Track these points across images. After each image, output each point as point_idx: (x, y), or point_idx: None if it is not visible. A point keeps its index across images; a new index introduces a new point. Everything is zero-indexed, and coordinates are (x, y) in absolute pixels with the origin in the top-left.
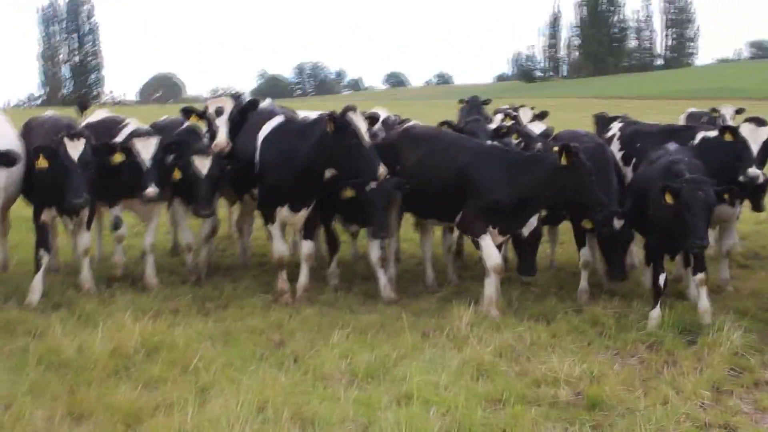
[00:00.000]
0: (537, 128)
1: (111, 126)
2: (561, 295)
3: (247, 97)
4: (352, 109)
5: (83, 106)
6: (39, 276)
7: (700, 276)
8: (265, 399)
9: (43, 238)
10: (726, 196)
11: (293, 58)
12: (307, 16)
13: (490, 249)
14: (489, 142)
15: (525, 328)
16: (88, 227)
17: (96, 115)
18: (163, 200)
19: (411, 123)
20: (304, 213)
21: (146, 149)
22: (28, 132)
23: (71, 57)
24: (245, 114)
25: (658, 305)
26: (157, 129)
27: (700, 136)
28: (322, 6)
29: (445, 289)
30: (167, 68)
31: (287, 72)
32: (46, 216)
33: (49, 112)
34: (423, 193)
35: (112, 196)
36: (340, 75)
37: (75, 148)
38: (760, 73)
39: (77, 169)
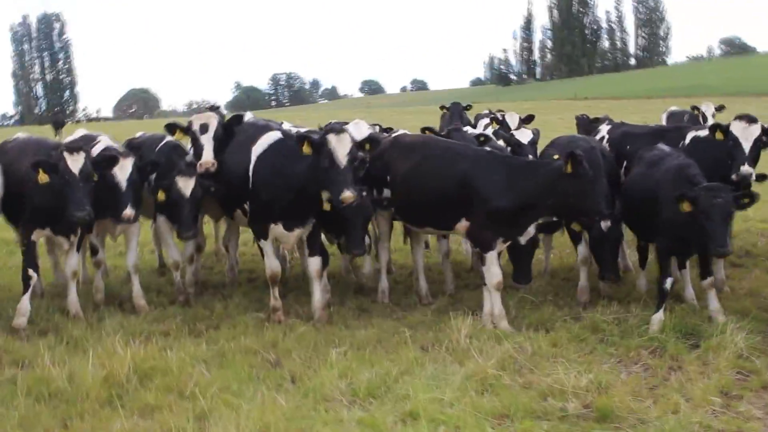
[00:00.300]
0: (524, 135)
1: (85, 144)
2: (558, 301)
3: (223, 110)
4: (335, 131)
5: (59, 124)
6: (26, 297)
7: (709, 280)
8: (266, 424)
9: (31, 258)
10: (746, 201)
11: (268, 69)
12: (280, 27)
13: (494, 266)
14: (486, 148)
15: (525, 337)
16: (78, 249)
17: (75, 133)
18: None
19: (400, 132)
20: (298, 232)
21: (122, 170)
22: (2, 154)
23: (44, 75)
24: (230, 129)
25: (662, 309)
26: (133, 146)
27: (690, 136)
28: (295, 16)
29: (439, 299)
30: (142, 83)
31: (262, 83)
32: (36, 236)
33: (21, 134)
34: (419, 201)
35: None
36: (315, 84)
37: (75, 162)
38: (731, 69)
39: (79, 183)
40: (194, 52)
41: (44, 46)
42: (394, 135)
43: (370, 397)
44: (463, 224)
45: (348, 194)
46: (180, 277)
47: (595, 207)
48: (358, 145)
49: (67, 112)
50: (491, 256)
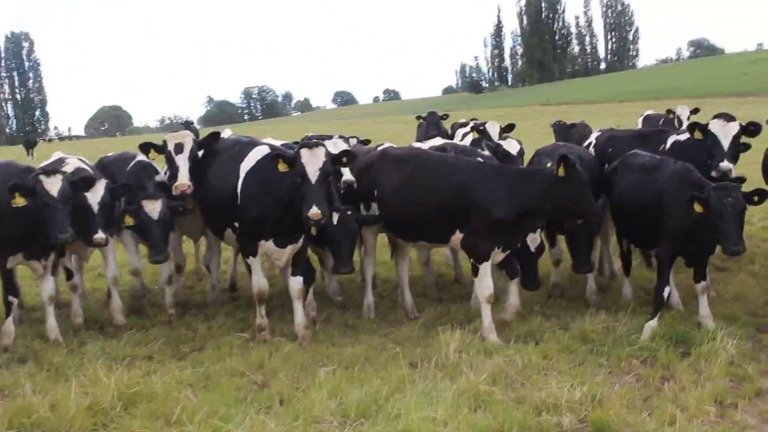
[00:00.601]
0: (511, 146)
1: (57, 166)
2: (545, 311)
3: (197, 125)
4: (308, 146)
5: (31, 144)
6: (10, 320)
7: (703, 284)
8: None
9: (11, 283)
10: (756, 198)
11: (239, 83)
12: (251, 40)
13: (486, 279)
14: (478, 158)
15: (515, 350)
16: (54, 273)
17: (52, 156)
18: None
19: (386, 145)
20: (290, 249)
21: (94, 193)
22: None
23: (14, 94)
24: (209, 148)
25: (656, 318)
26: (103, 165)
27: (671, 140)
28: (265, 29)
29: (425, 313)
30: (113, 100)
31: (234, 97)
32: (11, 263)
33: None
34: (412, 215)
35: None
36: (287, 97)
37: (53, 184)
38: (699, 71)
39: (59, 205)
40: (165, 67)
41: (13, 65)
42: (380, 148)
43: (362, 417)
44: (457, 236)
45: (314, 212)
46: (139, 285)
47: (591, 209)
48: (333, 159)
49: (39, 131)
50: (485, 268)
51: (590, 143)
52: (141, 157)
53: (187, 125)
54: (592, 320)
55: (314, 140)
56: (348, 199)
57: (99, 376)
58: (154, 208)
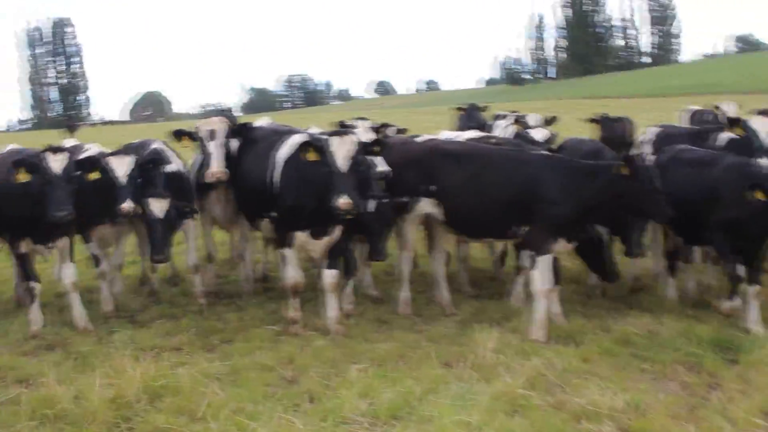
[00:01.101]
0: (538, 134)
1: (75, 153)
2: (586, 312)
3: (236, 112)
4: (338, 134)
5: (72, 128)
6: (35, 306)
7: (755, 288)
8: None
9: (29, 269)
10: None
11: (280, 71)
12: (291, 28)
13: (544, 273)
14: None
15: (554, 352)
16: (71, 258)
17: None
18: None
19: (427, 136)
20: (326, 240)
21: (120, 167)
22: None
23: (58, 79)
24: (245, 136)
25: (736, 295)
26: (130, 150)
27: (726, 137)
28: (306, 18)
29: (462, 309)
30: (154, 86)
31: (275, 85)
32: (24, 247)
33: (12, 145)
34: (479, 212)
35: (85, 227)
36: (327, 86)
37: (58, 162)
38: (744, 67)
39: (60, 182)
40: (207, 54)
41: (57, 50)
42: (428, 140)
43: (392, 419)
44: (523, 230)
45: (343, 200)
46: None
47: (658, 209)
48: (365, 148)
49: (81, 115)
50: (545, 260)
51: (649, 139)
52: (156, 144)
53: (226, 113)
54: (635, 322)
55: (345, 128)
56: (385, 190)
57: (125, 368)
58: (160, 207)
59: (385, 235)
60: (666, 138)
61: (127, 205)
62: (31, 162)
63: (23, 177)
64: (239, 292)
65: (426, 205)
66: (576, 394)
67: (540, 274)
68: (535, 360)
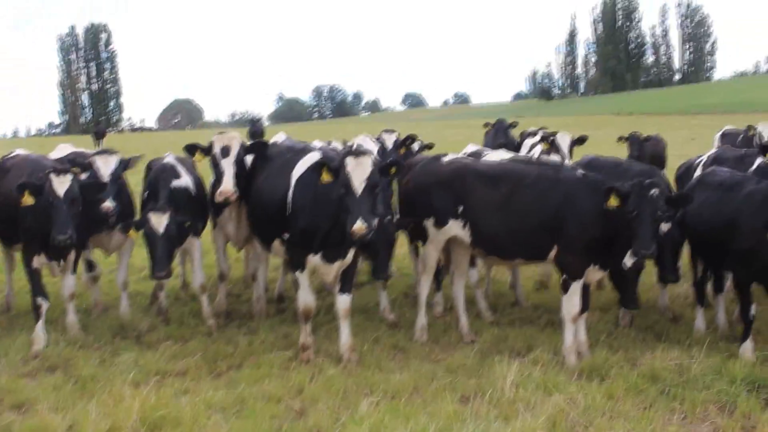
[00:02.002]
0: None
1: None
2: (611, 343)
3: (265, 121)
4: (354, 153)
5: (100, 135)
6: (40, 325)
7: None
8: None
9: (38, 284)
10: None
11: (310, 81)
12: (323, 39)
13: (575, 297)
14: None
15: (577, 387)
16: (74, 270)
17: (59, 149)
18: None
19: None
20: (338, 265)
21: (105, 167)
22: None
23: (90, 85)
24: (260, 153)
25: (750, 337)
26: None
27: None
28: (338, 29)
29: (481, 338)
30: (186, 94)
31: (305, 95)
32: (37, 263)
33: (19, 150)
34: (513, 234)
35: (82, 236)
36: (357, 97)
37: (61, 184)
38: None
39: (63, 205)
40: (238, 63)
41: (91, 56)
42: (455, 160)
43: None
44: (554, 251)
45: (358, 226)
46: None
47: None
48: (381, 170)
49: (112, 121)
50: (576, 286)
51: (700, 162)
52: (169, 158)
53: (255, 122)
54: (663, 356)
55: (361, 148)
56: (408, 212)
57: (124, 395)
58: (159, 222)
59: (388, 254)
60: (715, 161)
61: (109, 203)
62: (35, 184)
63: (29, 200)
64: (252, 312)
65: (453, 227)
66: None
67: (569, 300)
68: (556, 396)
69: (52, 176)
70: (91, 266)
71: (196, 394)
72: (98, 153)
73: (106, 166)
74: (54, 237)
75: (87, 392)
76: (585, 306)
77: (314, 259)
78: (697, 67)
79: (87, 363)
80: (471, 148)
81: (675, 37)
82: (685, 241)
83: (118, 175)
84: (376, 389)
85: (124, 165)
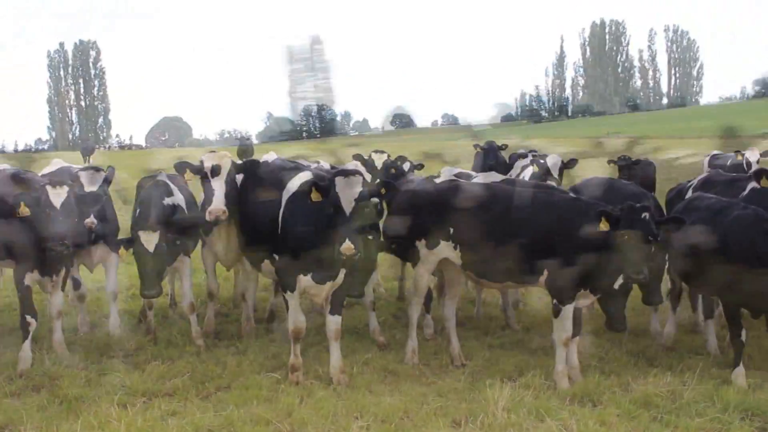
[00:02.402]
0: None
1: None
2: (603, 367)
3: (254, 140)
4: (343, 174)
5: (88, 152)
6: (27, 344)
7: None
8: None
9: (29, 303)
10: None
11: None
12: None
13: (567, 321)
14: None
15: (569, 413)
16: (63, 287)
17: (52, 164)
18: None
19: (445, 176)
20: (329, 285)
21: (90, 183)
22: None
23: (79, 101)
24: (250, 172)
25: (741, 364)
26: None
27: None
28: (331, 48)
29: (472, 360)
30: (174, 111)
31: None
32: (29, 279)
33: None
34: (501, 255)
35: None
36: (346, 116)
37: (57, 196)
38: (762, 110)
39: (59, 217)
40: (226, 81)
41: (80, 73)
42: (446, 181)
43: None
44: (545, 275)
45: (347, 246)
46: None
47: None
48: (371, 191)
49: (101, 138)
50: (567, 310)
51: (690, 186)
52: (161, 177)
53: (244, 141)
54: (656, 382)
55: (351, 168)
56: (397, 231)
57: (110, 417)
58: (149, 240)
59: (365, 272)
60: (704, 185)
61: (90, 220)
62: (31, 196)
63: (25, 212)
64: (241, 332)
65: (444, 249)
66: None
67: (560, 323)
68: (548, 422)
69: (48, 188)
70: (77, 284)
71: (183, 416)
72: (84, 169)
73: (91, 183)
74: (50, 248)
75: (73, 413)
76: (577, 330)
77: (305, 280)
78: (684, 92)
79: (73, 383)
80: (447, 171)
81: (663, 62)
82: (666, 265)
83: (104, 191)
84: (367, 412)
85: (108, 180)
